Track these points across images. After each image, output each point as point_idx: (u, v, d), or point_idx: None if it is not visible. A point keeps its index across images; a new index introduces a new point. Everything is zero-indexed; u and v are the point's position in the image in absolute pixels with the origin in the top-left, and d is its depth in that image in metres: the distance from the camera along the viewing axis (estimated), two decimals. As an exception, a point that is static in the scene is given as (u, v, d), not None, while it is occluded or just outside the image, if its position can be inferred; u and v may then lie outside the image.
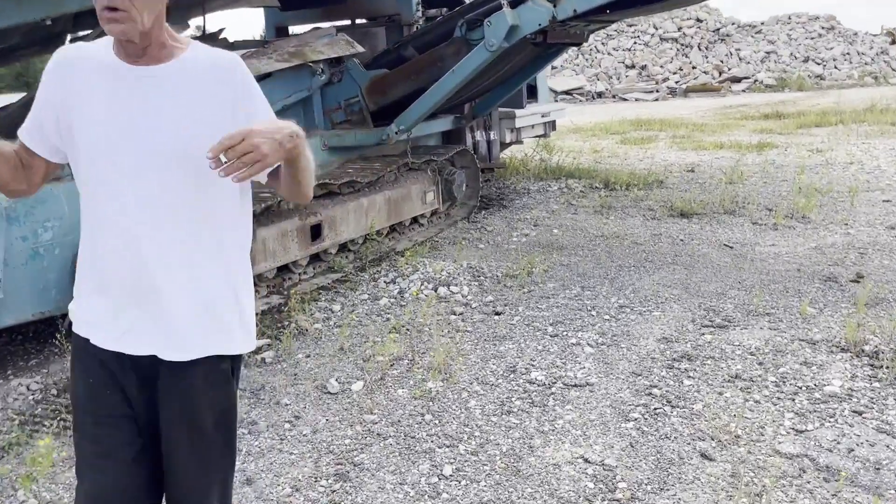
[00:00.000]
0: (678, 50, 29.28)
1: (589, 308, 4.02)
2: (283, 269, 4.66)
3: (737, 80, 27.21)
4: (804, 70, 27.70)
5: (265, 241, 4.34)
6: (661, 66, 28.35)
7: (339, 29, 6.88)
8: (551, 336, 3.65)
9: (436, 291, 4.42)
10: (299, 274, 4.76)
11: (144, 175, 1.43)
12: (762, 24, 31.28)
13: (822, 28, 30.56)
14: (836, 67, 28.25)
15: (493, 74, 5.68)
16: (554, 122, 8.34)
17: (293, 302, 4.11)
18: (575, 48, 28.79)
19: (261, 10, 7.07)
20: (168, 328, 1.48)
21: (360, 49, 5.70)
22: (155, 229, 1.44)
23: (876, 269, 4.42)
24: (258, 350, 3.63)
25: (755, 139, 10.68)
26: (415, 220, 5.94)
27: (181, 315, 1.48)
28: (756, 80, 26.77)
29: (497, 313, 4.02)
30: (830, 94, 21.00)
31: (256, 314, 3.88)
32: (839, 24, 30.94)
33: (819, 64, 28.48)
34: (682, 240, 5.33)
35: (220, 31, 6.22)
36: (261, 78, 5.08)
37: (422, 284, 4.51)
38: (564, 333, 3.68)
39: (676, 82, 26.94)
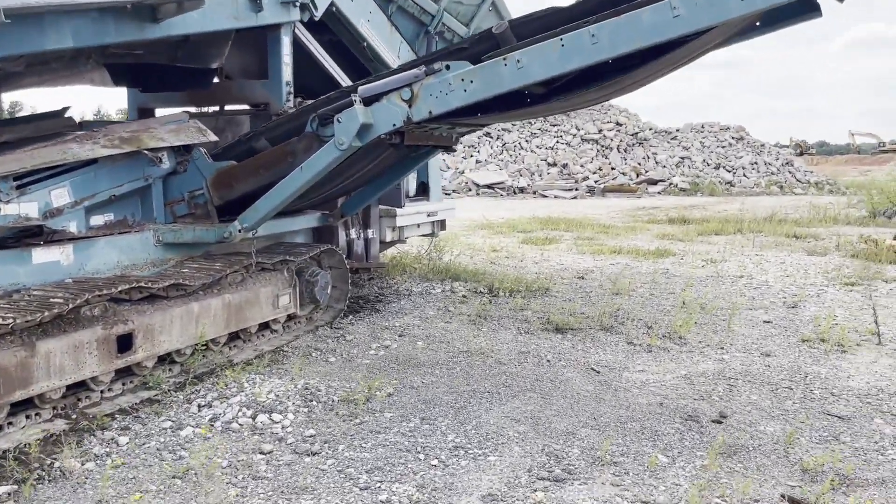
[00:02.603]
0: (598, 151, 30.14)
1: (419, 448, 3.48)
2: (81, 385, 3.99)
3: (653, 182, 28.05)
4: (715, 176, 28.81)
5: (49, 355, 3.67)
6: (582, 166, 29.04)
7: (201, 115, 6.47)
8: (360, 489, 3.08)
9: (253, 420, 3.81)
10: (101, 391, 4.08)
11: None
12: (677, 130, 32.67)
13: (732, 138, 32.10)
14: (745, 175, 29.50)
15: (356, 172, 5.27)
16: (444, 221, 7.99)
17: (62, 437, 3.42)
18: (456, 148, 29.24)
19: (124, 90, 6.57)
20: None
21: (212, 138, 5.23)
22: None
23: (741, 407, 4.04)
24: (-8, 501, 2.93)
25: (655, 245, 10.61)
26: (266, 325, 5.36)
27: None
28: (671, 184, 27.65)
29: (312, 454, 3.43)
30: (737, 201, 21.71)
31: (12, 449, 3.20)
32: (748, 135, 32.58)
33: (729, 171, 29.71)
34: (548, 360, 4.90)
35: (65, 109, 5.68)
36: (83, 164, 4.54)
37: (240, 410, 3.90)
38: (377, 486, 3.10)
39: (596, 182, 27.57)
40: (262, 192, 4.80)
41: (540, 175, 28.53)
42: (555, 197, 25.30)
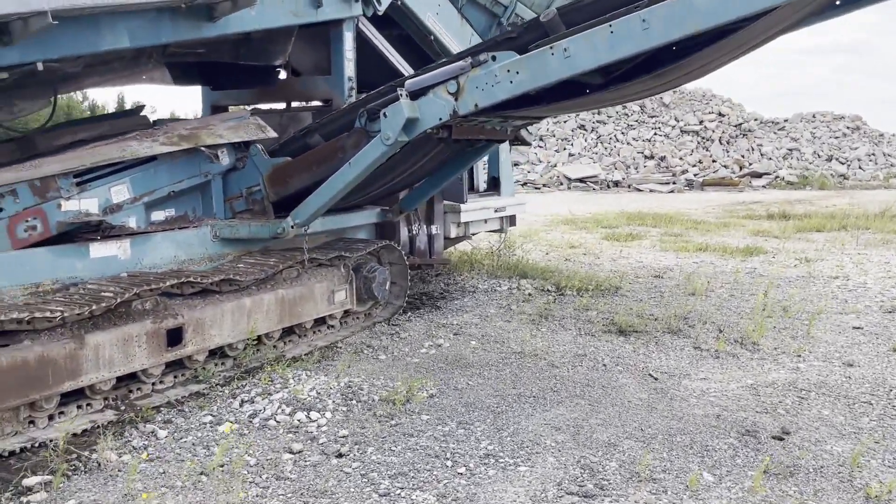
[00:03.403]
0: (699, 143, 28.96)
1: (449, 455, 3.36)
2: (132, 378, 4.10)
3: (758, 175, 26.66)
4: (827, 168, 27.08)
5: (98, 347, 3.78)
6: (681, 159, 27.97)
7: (268, 112, 6.56)
8: (380, 495, 2.99)
9: (291, 417, 3.80)
10: (152, 384, 4.19)
11: None
12: (785, 121, 30.95)
13: (847, 128, 30.10)
14: (860, 168, 27.60)
15: (410, 167, 5.19)
16: (513, 216, 7.81)
17: (102, 430, 3.51)
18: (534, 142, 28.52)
19: (198, 89, 6.75)
20: None
21: (272, 134, 5.29)
22: None
23: (810, 423, 3.69)
24: (27, 490, 3.02)
25: (746, 242, 10.02)
26: (322, 321, 5.37)
27: None
28: (777, 177, 26.19)
29: (340, 455, 3.38)
30: (849, 195, 20.33)
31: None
32: (865, 125, 30.45)
33: (843, 163, 27.87)
34: (604, 365, 4.66)
35: (140, 107, 5.89)
36: (143, 161, 4.67)
37: (279, 407, 3.90)
38: (398, 493, 3.01)
39: (695, 175, 26.47)
40: (315, 188, 4.78)
41: (636, 168, 27.70)
42: (650, 191, 24.47)
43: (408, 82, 4.35)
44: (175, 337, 4.21)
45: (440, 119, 4.27)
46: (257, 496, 3.00)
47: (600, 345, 5.09)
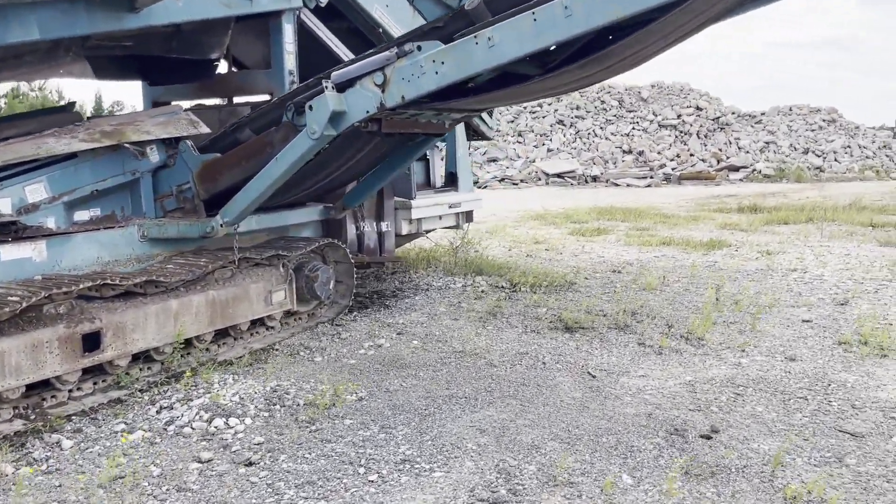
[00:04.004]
0: (677, 137, 28.97)
1: (364, 461, 3.22)
2: (47, 385, 3.93)
3: (735, 168, 26.68)
4: (803, 161, 27.14)
5: (3, 354, 3.61)
6: (659, 153, 27.96)
7: (206, 108, 6.39)
8: (281, 505, 2.85)
9: (208, 424, 3.65)
10: (69, 391, 4.01)
11: None
12: (762, 114, 31.01)
13: (824, 121, 30.20)
14: (836, 160, 27.69)
15: (347, 162, 5.03)
16: (470, 212, 7.67)
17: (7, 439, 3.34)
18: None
19: (139, 84, 6.56)
20: None
21: (204, 130, 5.11)
22: None
23: (741, 420, 3.58)
24: None
25: (712, 235, 9.95)
26: (261, 322, 5.21)
27: None
28: (755, 170, 26.21)
29: (250, 463, 3.23)
30: (825, 188, 20.38)
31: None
32: (841, 118, 30.56)
33: (819, 156, 27.96)
34: (544, 363, 4.53)
35: (72, 104, 5.70)
36: (63, 159, 4.49)
37: (198, 413, 3.74)
38: (300, 503, 2.86)
39: (673, 169, 26.46)
40: (245, 184, 4.63)
41: (614, 163, 27.64)
42: (627, 186, 24.41)
43: (334, 74, 4.20)
44: (92, 342, 4.04)
45: (367, 112, 4.12)
46: (153, 509, 2.85)
47: (544, 342, 4.96)
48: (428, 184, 7.58)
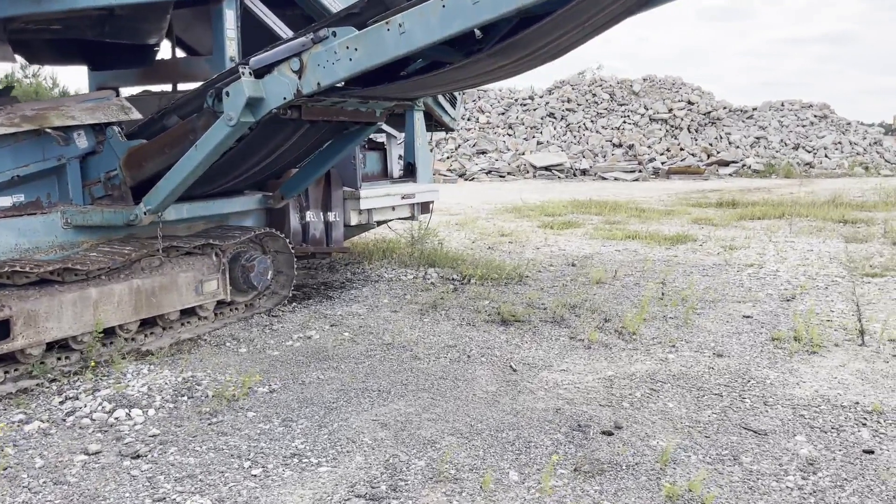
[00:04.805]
0: (668, 131, 28.86)
1: (253, 455, 3.15)
2: (-47, 374, 3.86)
3: (725, 163, 26.59)
4: (794, 157, 27.04)
5: None
6: (649, 147, 27.85)
7: (153, 94, 6.30)
8: (155, 500, 2.77)
9: (110, 415, 3.58)
10: (-24, 380, 3.95)
11: None
12: (754, 109, 30.89)
13: (815, 116, 30.08)
14: (826, 156, 27.58)
15: (277, 150, 4.95)
16: (427, 204, 7.58)
17: None
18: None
19: (84, 69, 6.47)
20: None
21: (135, 115, 5.03)
22: None
23: (649, 417, 3.51)
24: None
25: (680, 230, 9.87)
26: (193, 312, 5.14)
27: None
28: (744, 165, 26.12)
29: (137, 456, 3.16)
30: (812, 184, 20.28)
31: None
32: (833, 114, 30.44)
33: (809, 151, 27.85)
34: (469, 356, 4.46)
35: (9, 88, 5.62)
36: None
37: (100, 404, 3.67)
38: (174, 497, 2.79)
39: (662, 163, 26.36)
40: (168, 171, 4.55)
41: (604, 157, 27.54)
42: (615, 179, 24.33)
43: (252, 59, 4.11)
44: (2, 330, 3.97)
45: (285, 98, 4.04)
46: (23, 502, 2.78)
47: (476, 335, 4.89)
48: (385, 174, 7.50)
